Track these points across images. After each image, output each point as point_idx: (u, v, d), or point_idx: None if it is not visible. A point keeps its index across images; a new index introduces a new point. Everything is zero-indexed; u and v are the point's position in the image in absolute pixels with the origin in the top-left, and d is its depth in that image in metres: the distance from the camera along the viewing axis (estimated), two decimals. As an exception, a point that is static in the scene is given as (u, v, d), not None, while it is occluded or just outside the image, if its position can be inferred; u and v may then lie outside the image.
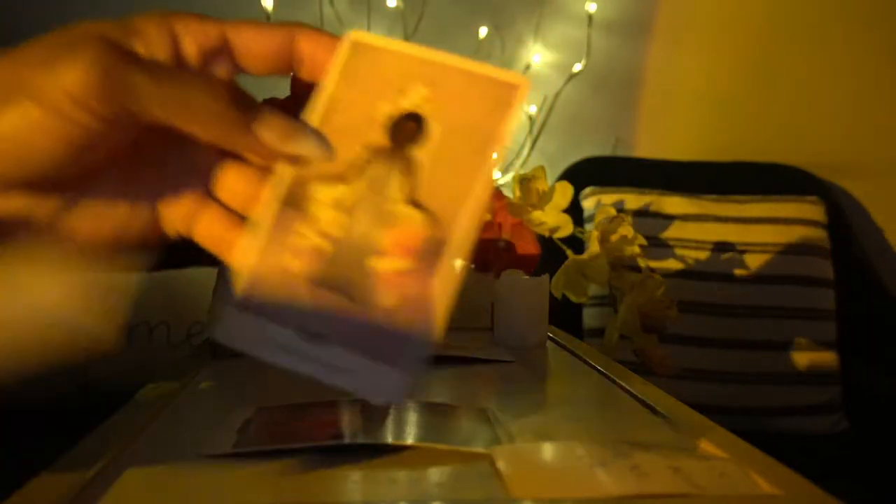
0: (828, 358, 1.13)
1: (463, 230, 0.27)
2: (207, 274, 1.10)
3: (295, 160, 0.27)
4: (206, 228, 0.29)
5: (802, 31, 1.41)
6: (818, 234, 1.18)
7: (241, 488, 0.30)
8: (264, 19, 1.26)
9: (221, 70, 0.28)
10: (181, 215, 0.29)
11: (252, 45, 0.28)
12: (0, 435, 0.89)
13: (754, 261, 1.14)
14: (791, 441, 1.02)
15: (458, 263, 0.26)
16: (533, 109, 1.38)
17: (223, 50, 0.28)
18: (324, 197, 0.28)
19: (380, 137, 0.28)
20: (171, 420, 0.39)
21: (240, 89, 0.27)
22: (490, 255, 0.74)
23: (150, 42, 0.26)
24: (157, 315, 1.04)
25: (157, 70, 0.25)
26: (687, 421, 0.38)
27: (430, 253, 0.27)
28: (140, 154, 0.28)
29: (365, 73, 0.29)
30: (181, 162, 0.29)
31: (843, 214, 1.28)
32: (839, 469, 0.90)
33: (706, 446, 0.35)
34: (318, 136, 0.27)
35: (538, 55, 1.39)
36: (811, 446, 1.03)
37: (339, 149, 0.28)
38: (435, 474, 0.31)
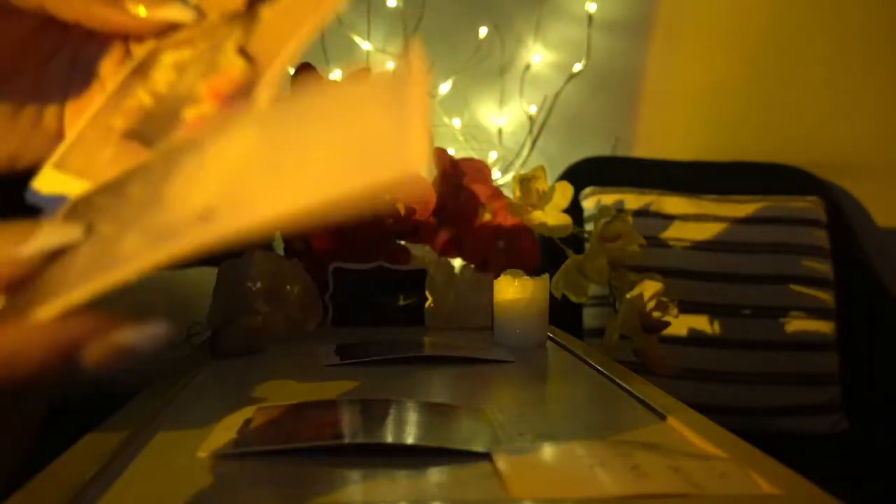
0: (828, 358, 1.13)
1: (275, 71, 0.27)
2: (207, 274, 1.10)
3: (163, 29, 0.28)
4: None
5: (802, 32, 1.41)
6: (818, 234, 1.18)
7: (241, 488, 0.30)
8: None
9: None
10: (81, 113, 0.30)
11: None
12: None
13: (754, 261, 1.14)
14: (791, 441, 1.02)
15: (264, 101, 0.26)
16: (533, 109, 1.38)
17: None
18: (167, 60, 0.28)
19: (239, 5, 0.29)
20: (171, 420, 0.39)
21: None
22: (490, 255, 0.74)
23: None
24: (157, 315, 1.04)
25: None
26: (687, 421, 0.38)
27: (240, 96, 0.27)
28: (40, 63, 0.29)
29: None
30: (82, 67, 0.30)
31: (843, 214, 1.28)
32: (839, 469, 0.90)
33: (706, 446, 0.35)
34: (183, 1, 0.28)
35: (538, 55, 1.39)
36: (811, 446, 1.03)
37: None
38: (435, 474, 0.31)
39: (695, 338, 1.11)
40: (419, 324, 0.70)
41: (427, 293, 0.70)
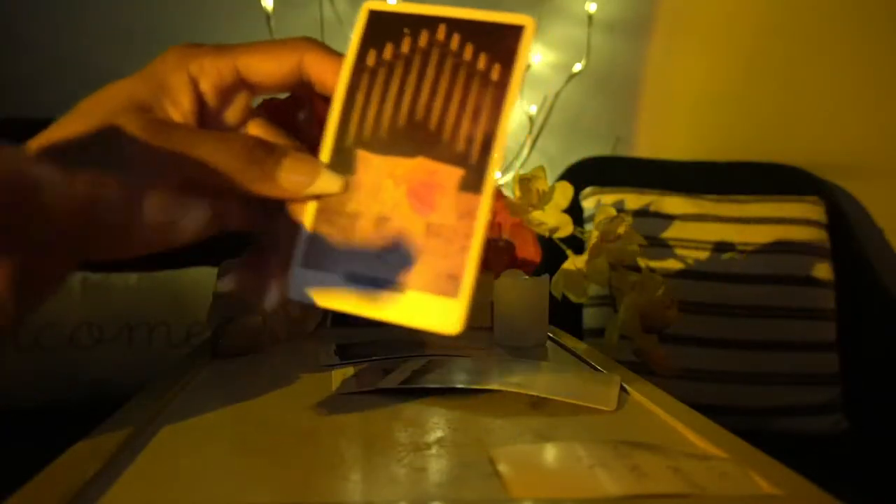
0: (828, 358, 1.13)
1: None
2: (207, 274, 1.10)
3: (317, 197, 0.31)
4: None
5: (802, 31, 1.41)
6: (818, 234, 1.18)
7: (241, 488, 0.30)
8: (264, 19, 1.26)
9: (239, 100, 0.32)
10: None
11: (261, 76, 0.32)
12: (0, 435, 0.89)
13: (754, 261, 1.14)
14: (791, 441, 1.02)
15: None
16: (533, 109, 1.38)
17: (237, 82, 0.32)
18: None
19: None
20: (171, 420, 0.39)
21: (258, 141, 0.30)
22: (490, 255, 0.74)
23: (175, 95, 0.30)
24: (157, 315, 1.04)
25: (184, 140, 0.29)
26: (687, 421, 0.38)
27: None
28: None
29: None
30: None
31: (843, 214, 1.28)
32: (839, 469, 0.90)
33: (706, 446, 0.35)
34: (331, 173, 0.30)
35: (538, 55, 1.39)
36: (811, 446, 1.03)
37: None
38: (435, 474, 0.31)
39: (695, 338, 1.11)
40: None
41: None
